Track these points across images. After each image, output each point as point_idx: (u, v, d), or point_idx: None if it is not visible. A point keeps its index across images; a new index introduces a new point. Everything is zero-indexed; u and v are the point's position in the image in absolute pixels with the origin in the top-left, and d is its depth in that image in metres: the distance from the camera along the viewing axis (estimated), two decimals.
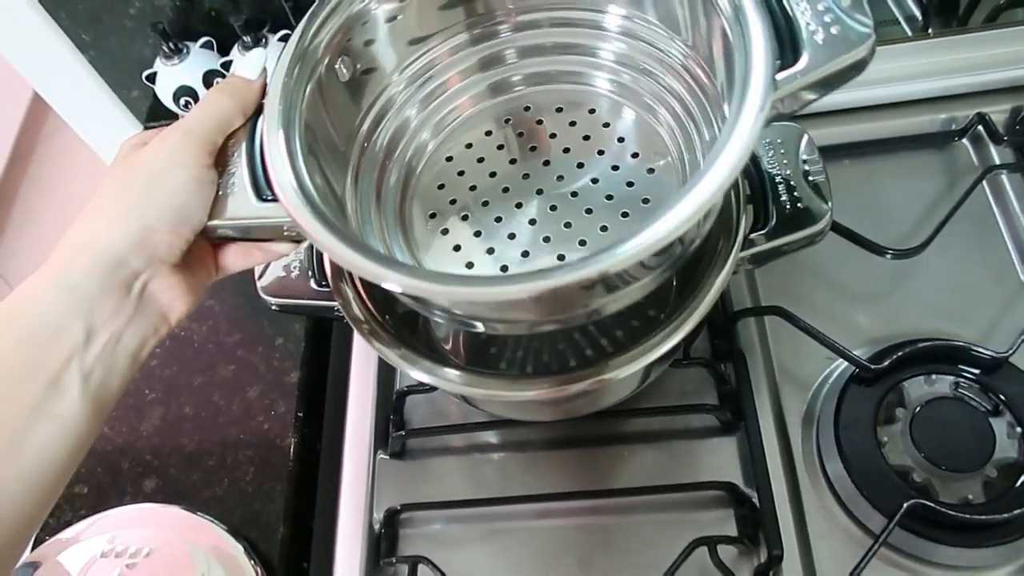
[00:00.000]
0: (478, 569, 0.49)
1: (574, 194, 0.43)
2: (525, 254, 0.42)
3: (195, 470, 0.54)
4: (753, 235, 0.42)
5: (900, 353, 0.49)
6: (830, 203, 0.43)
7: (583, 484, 0.50)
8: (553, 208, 0.43)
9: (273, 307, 0.46)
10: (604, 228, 0.41)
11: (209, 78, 0.61)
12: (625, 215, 0.41)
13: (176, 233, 0.36)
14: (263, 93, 0.39)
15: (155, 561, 0.51)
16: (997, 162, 0.57)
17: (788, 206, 0.43)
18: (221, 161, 0.39)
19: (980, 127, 0.58)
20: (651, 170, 0.43)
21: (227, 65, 0.60)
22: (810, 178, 0.44)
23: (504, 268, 0.42)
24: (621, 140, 0.44)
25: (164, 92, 0.61)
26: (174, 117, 0.67)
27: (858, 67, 0.34)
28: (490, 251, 0.42)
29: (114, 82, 0.67)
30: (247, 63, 0.40)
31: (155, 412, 0.57)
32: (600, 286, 0.35)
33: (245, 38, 0.59)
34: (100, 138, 0.75)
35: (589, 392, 0.44)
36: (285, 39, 0.59)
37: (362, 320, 0.43)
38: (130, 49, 0.64)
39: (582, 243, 0.41)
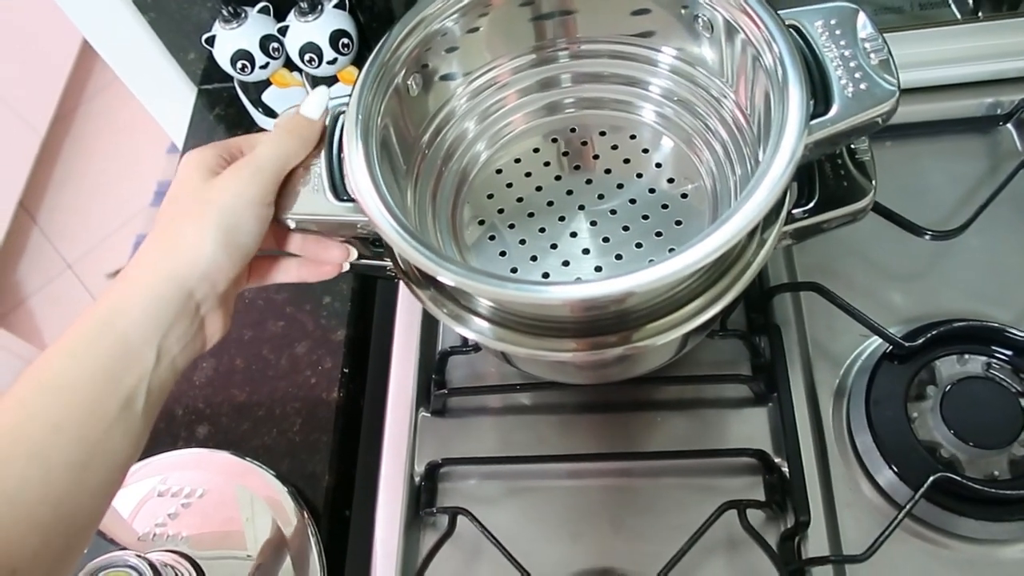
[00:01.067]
0: (513, 524, 0.51)
1: (613, 211, 0.47)
2: (565, 263, 0.46)
3: (245, 420, 0.57)
4: (796, 210, 0.43)
5: (934, 332, 0.50)
6: (874, 181, 0.44)
7: (616, 447, 0.52)
8: (593, 223, 0.47)
9: None
10: (639, 245, 0.45)
11: (266, 43, 0.63)
12: (659, 234, 0.46)
13: (236, 267, 0.38)
14: (323, 132, 0.43)
15: (206, 502, 0.54)
16: None
17: (832, 183, 0.44)
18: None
19: None
20: (684, 195, 0.47)
21: (284, 30, 0.62)
22: (856, 156, 0.45)
23: (545, 275, 0.45)
24: (659, 166, 0.48)
25: (222, 55, 0.63)
26: (227, 80, 0.69)
27: (883, 120, 0.38)
28: (533, 258, 0.46)
29: (171, 44, 0.70)
30: (311, 103, 0.42)
31: (208, 364, 0.60)
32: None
33: (302, 4, 0.61)
34: (153, 97, 0.77)
35: (625, 357, 0.47)
36: (341, 6, 0.61)
37: (415, 282, 0.45)
38: (189, 12, 0.66)
39: (618, 257, 0.45)
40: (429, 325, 0.58)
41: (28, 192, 1.89)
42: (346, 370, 0.58)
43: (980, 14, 0.62)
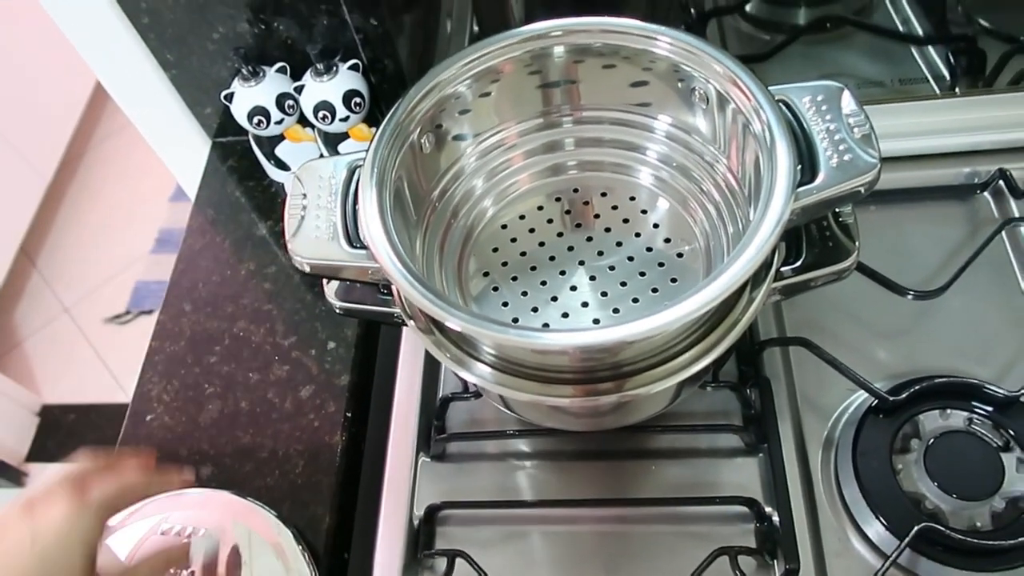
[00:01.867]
0: (510, 567, 0.52)
1: (611, 268, 0.50)
2: (565, 315, 0.48)
3: (248, 461, 0.58)
4: (784, 268, 0.46)
5: (917, 387, 0.52)
6: (857, 243, 0.46)
7: (611, 494, 0.54)
8: (592, 278, 0.50)
9: (338, 311, 0.51)
10: (636, 300, 0.48)
11: (282, 100, 0.66)
12: (655, 290, 0.48)
13: None
14: None
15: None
16: (1016, 215, 0.60)
17: (818, 244, 0.47)
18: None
19: (1001, 182, 0.62)
20: (680, 254, 0.50)
21: (299, 89, 0.65)
22: (840, 219, 0.47)
23: (546, 325, 0.48)
24: (656, 226, 0.51)
25: (239, 111, 0.66)
26: (241, 133, 0.72)
27: (866, 189, 0.41)
28: (534, 310, 0.49)
29: (190, 99, 0.73)
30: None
31: (213, 405, 0.61)
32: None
33: (318, 65, 0.64)
34: (168, 148, 0.80)
35: (620, 405, 0.49)
36: (355, 68, 0.65)
37: (421, 328, 0.47)
38: (209, 70, 0.69)
39: (615, 311, 0.48)
40: (431, 371, 0.60)
41: (29, 236, 1.92)
42: (349, 414, 0.59)
43: (957, 90, 0.66)
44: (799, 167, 0.41)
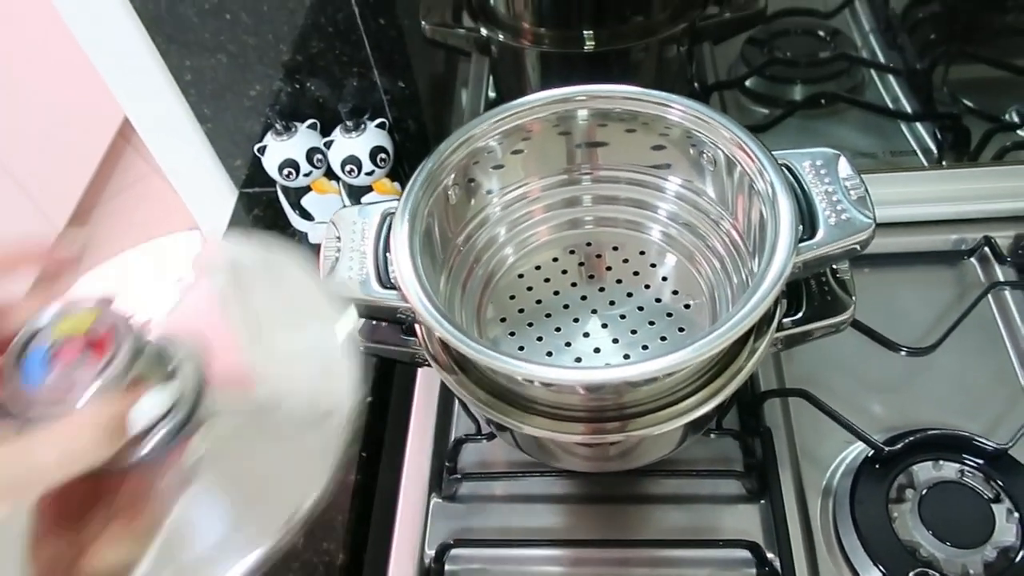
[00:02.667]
0: None
1: (622, 316, 0.53)
2: (578, 359, 0.51)
3: None
4: (786, 320, 0.49)
5: (911, 439, 0.55)
6: (854, 297, 0.50)
7: (617, 536, 0.55)
8: (604, 326, 0.53)
9: (361, 350, 0.53)
10: (645, 347, 0.51)
11: (311, 154, 0.70)
12: (663, 339, 0.51)
13: None
14: None
15: None
16: (1001, 279, 0.64)
17: (817, 298, 0.50)
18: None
19: (987, 248, 0.65)
20: (687, 306, 0.53)
21: (328, 144, 0.69)
22: (838, 275, 0.51)
23: None
24: (664, 279, 0.55)
25: (271, 163, 0.70)
26: (267, 184, 0.76)
27: (861, 246, 0.45)
28: (549, 354, 0.52)
29: (222, 151, 0.77)
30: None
31: None
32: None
33: (347, 123, 0.69)
34: (195, 197, 0.84)
35: (627, 449, 0.52)
36: (382, 126, 0.69)
37: (443, 366, 0.49)
38: (243, 124, 0.73)
39: (626, 356, 0.51)
40: (444, 414, 0.62)
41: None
42: (363, 454, 0.61)
43: (943, 163, 0.71)
44: (800, 225, 0.45)
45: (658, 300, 0.54)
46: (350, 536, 0.58)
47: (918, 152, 0.73)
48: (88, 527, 0.30)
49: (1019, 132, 0.74)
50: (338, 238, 0.50)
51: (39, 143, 1.89)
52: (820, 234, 0.45)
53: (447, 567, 0.56)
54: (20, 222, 1.84)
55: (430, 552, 0.56)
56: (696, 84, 0.83)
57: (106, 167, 2.19)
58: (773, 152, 0.48)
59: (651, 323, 0.53)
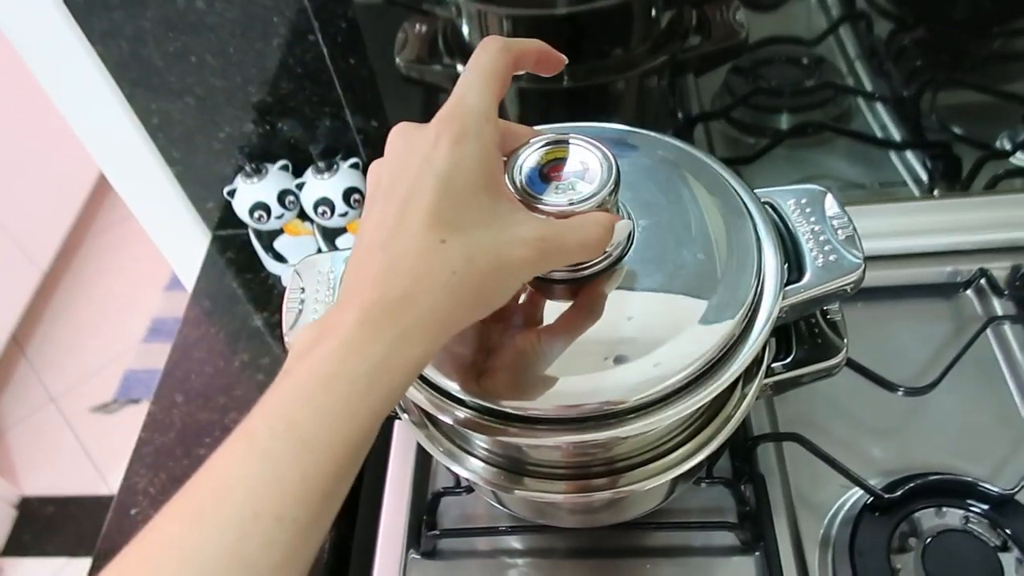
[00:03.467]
0: None
1: None
2: None
3: None
4: (776, 365, 0.47)
5: (912, 484, 0.52)
6: (846, 339, 0.47)
7: None
8: None
9: None
10: None
11: (283, 196, 0.68)
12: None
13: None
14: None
15: None
16: (999, 313, 0.61)
17: (808, 341, 0.48)
18: None
19: (983, 281, 0.63)
20: None
21: (300, 185, 0.67)
22: (828, 317, 0.49)
23: None
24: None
25: (241, 206, 0.68)
26: (241, 227, 0.74)
27: (851, 288, 0.43)
28: None
29: (194, 194, 0.75)
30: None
31: None
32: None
33: (320, 163, 0.67)
34: (169, 240, 0.82)
35: (614, 501, 0.49)
36: (355, 166, 0.67)
37: (416, 422, 0.47)
38: (214, 167, 0.71)
39: None
40: (422, 467, 0.59)
41: (21, 324, 1.91)
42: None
43: (935, 192, 0.69)
44: (786, 266, 0.43)
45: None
46: None
47: (909, 182, 0.71)
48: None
49: (1011, 160, 0.72)
50: (302, 288, 0.47)
51: (22, 190, 1.88)
52: (807, 276, 0.43)
53: None
54: (5, 265, 1.82)
55: None
56: (680, 115, 0.82)
57: (91, 207, 2.17)
58: (756, 191, 0.46)
59: None
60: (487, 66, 0.35)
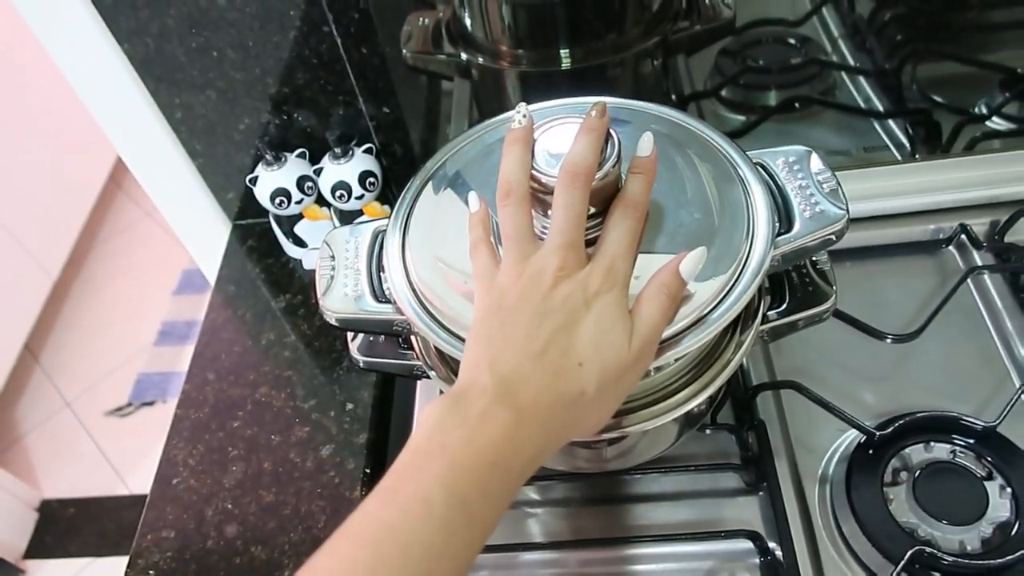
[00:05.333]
0: None
1: None
2: None
3: (272, 518, 0.61)
4: (771, 312, 0.51)
5: (901, 422, 0.56)
6: (834, 287, 0.51)
7: (619, 535, 0.56)
8: None
9: (362, 365, 0.54)
10: None
11: (302, 182, 0.72)
12: None
13: None
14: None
15: None
16: (979, 264, 0.65)
17: (799, 289, 0.52)
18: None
19: (963, 236, 0.67)
20: None
21: (318, 171, 0.71)
22: (818, 267, 0.52)
23: None
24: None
25: (262, 193, 0.72)
26: (260, 215, 0.78)
27: (837, 236, 0.47)
28: None
29: (215, 185, 0.79)
30: (691, 264, 0.42)
31: (237, 467, 0.64)
32: None
33: (336, 150, 0.70)
34: (190, 232, 0.86)
35: (626, 448, 0.53)
36: (369, 151, 0.71)
37: (441, 377, 0.50)
38: (234, 157, 0.75)
39: None
40: None
41: (33, 332, 1.95)
42: (367, 470, 0.62)
43: (916, 156, 0.73)
44: (777, 219, 0.47)
45: None
46: None
47: (891, 147, 0.75)
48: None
49: (988, 123, 0.76)
50: (332, 257, 0.51)
51: (31, 197, 1.92)
52: (796, 227, 0.46)
53: None
54: (13, 270, 1.86)
55: None
56: (673, 96, 0.86)
57: (98, 213, 2.21)
58: (748, 152, 0.50)
59: None
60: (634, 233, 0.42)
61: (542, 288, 0.39)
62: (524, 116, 0.43)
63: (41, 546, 1.66)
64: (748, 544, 0.54)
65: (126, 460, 1.77)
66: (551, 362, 0.37)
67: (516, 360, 0.37)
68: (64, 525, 1.68)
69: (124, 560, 0.60)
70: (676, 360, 0.45)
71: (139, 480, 1.72)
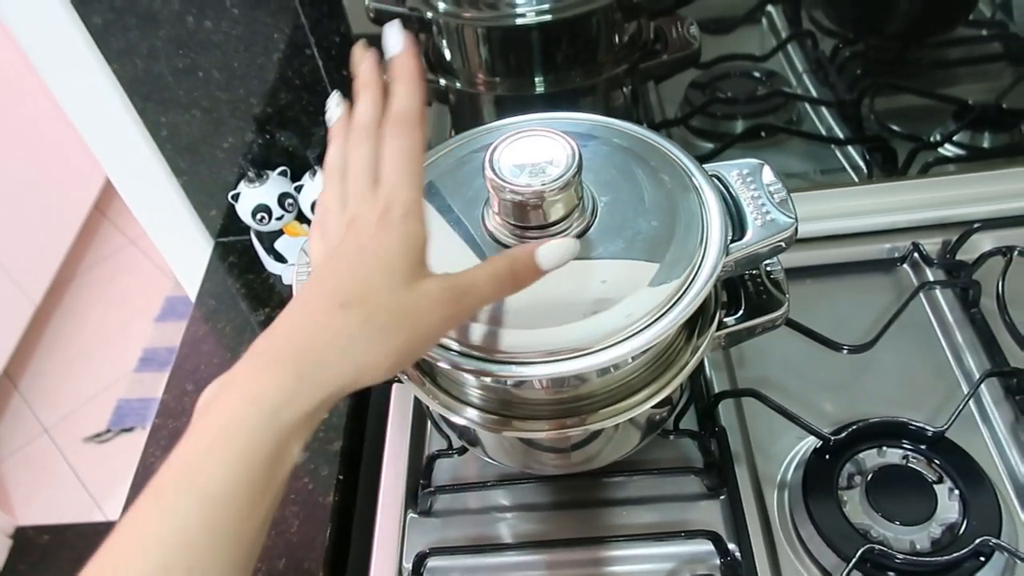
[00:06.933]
0: None
1: None
2: None
3: None
4: (727, 319, 0.53)
5: (855, 428, 0.58)
6: (787, 295, 0.54)
7: (586, 535, 0.58)
8: None
9: None
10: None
11: (283, 199, 0.74)
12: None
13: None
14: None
15: None
16: (931, 279, 0.69)
17: (754, 297, 0.54)
18: None
19: (916, 254, 0.70)
20: None
21: (299, 188, 0.74)
22: (772, 276, 0.55)
23: None
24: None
25: (244, 209, 0.74)
26: (241, 232, 0.80)
27: (786, 244, 0.49)
28: None
29: (198, 203, 0.81)
30: (552, 254, 0.41)
31: None
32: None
33: (316, 168, 0.73)
34: (173, 249, 0.87)
35: (590, 447, 0.55)
36: None
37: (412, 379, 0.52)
38: (217, 175, 0.78)
39: None
40: (418, 432, 0.65)
41: (13, 358, 1.94)
42: (340, 476, 0.64)
43: (873, 178, 0.77)
44: (730, 227, 0.49)
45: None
46: (329, 554, 0.60)
47: (848, 169, 0.79)
48: None
49: (941, 150, 0.80)
50: (308, 264, 0.54)
51: (14, 225, 1.92)
52: (749, 235, 0.49)
53: None
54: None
55: (407, 565, 0.58)
56: (644, 123, 0.89)
57: (83, 240, 2.22)
58: (704, 165, 0.53)
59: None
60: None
61: (329, 251, 0.38)
62: (338, 105, 0.44)
63: (14, 574, 1.64)
64: (709, 545, 0.56)
65: (103, 486, 1.76)
66: (308, 309, 0.35)
67: (278, 321, 0.35)
68: (39, 552, 1.66)
69: None
70: (633, 359, 0.48)
71: (116, 506, 1.71)
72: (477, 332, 0.45)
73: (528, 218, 0.46)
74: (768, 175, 0.52)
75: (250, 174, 0.74)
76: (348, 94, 0.71)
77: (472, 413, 0.50)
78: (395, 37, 0.40)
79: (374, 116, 0.40)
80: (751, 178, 0.52)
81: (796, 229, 0.49)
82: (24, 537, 1.68)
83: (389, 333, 0.35)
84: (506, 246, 0.48)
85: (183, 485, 0.31)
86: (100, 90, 0.70)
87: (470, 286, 0.38)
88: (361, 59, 0.42)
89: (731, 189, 0.52)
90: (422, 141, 0.39)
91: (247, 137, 0.74)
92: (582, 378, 0.48)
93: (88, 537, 1.66)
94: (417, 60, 0.41)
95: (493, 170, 0.46)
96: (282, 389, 0.33)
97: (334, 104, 0.43)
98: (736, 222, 0.50)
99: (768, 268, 0.56)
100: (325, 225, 0.40)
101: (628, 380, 0.49)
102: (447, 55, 0.75)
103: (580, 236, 0.48)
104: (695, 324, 0.52)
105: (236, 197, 0.75)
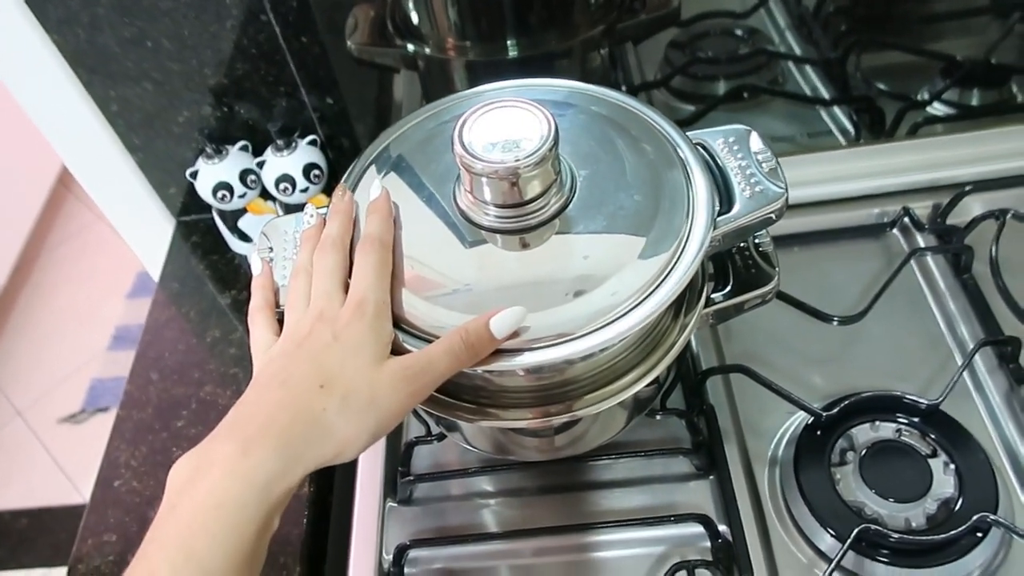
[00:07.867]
0: None
1: None
2: None
3: None
4: (715, 295, 0.51)
5: (846, 402, 0.56)
6: (777, 268, 0.51)
7: (573, 522, 0.56)
8: None
9: None
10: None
11: (244, 175, 0.70)
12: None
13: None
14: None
15: None
16: (922, 245, 0.66)
17: (743, 272, 0.52)
18: None
19: (907, 219, 0.68)
20: None
21: (261, 164, 0.70)
22: (760, 249, 0.53)
23: None
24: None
25: (204, 187, 0.70)
26: (204, 211, 0.76)
27: (776, 216, 0.46)
28: None
29: (155, 180, 0.77)
30: (505, 321, 0.41)
31: None
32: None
33: (278, 141, 0.69)
34: (133, 229, 0.83)
35: (577, 435, 0.52)
36: (313, 143, 0.70)
37: None
38: (174, 152, 0.73)
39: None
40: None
41: None
42: None
43: (860, 140, 0.74)
44: (717, 199, 0.46)
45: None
46: (306, 548, 0.57)
47: (837, 134, 0.76)
48: None
49: (929, 109, 0.77)
50: (270, 248, 0.50)
51: None
52: (736, 207, 0.46)
53: (407, 570, 0.56)
54: None
55: (388, 557, 0.56)
56: (623, 87, 0.86)
57: (47, 217, 2.15)
58: (688, 132, 0.50)
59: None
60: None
61: (298, 339, 0.40)
62: (312, 216, 0.48)
63: None
64: (699, 528, 0.54)
65: (80, 468, 1.73)
66: (290, 390, 0.38)
67: (253, 399, 0.38)
68: (17, 537, 1.63)
69: None
70: (620, 341, 0.45)
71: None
72: (454, 318, 0.42)
73: (502, 196, 0.43)
74: (756, 142, 0.49)
75: (208, 149, 0.70)
76: (307, 62, 0.67)
77: (449, 402, 0.47)
78: (377, 189, 0.47)
79: (342, 233, 0.45)
80: (737, 146, 0.49)
81: (787, 200, 0.47)
82: (2, 522, 1.65)
83: (363, 414, 0.38)
84: (479, 226, 0.45)
85: (180, 561, 0.33)
86: (42, 63, 0.65)
87: (428, 363, 0.40)
88: (340, 194, 0.47)
89: (717, 158, 0.49)
90: (390, 260, 0.44)
91: (204, 111, 0.70)
92: (567, 363, 0.45)
93: (66, 520, 1.63)
94: (390, 202, 0.46)
95: (463, 145, 0.42)
96: (274, 467, 0.35)
97: (307, 215, 0.48)
98: (723, 194, 0.47)
99: (756, 240, 0.53)
100: (288, 317, 0.43)
101: (614, 363, 0.47)
102: (414, 19, 0.71)
103: (559, 214, 0.45)
104: (682, 302, 0.49)
105: (195, 175, 0.71)
